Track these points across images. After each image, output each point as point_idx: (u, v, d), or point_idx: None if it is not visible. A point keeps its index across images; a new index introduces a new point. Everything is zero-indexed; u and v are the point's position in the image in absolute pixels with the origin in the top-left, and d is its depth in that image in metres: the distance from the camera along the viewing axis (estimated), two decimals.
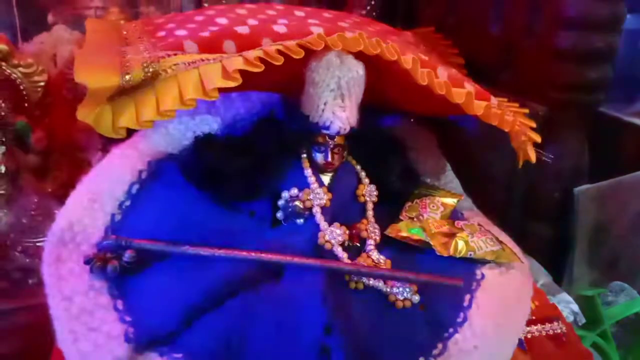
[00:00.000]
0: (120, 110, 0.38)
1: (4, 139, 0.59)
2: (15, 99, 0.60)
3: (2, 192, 0.59)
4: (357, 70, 0.42)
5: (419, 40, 0.62)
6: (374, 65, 0.43)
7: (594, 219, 0.61)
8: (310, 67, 0.42)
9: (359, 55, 0.42)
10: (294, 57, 0.38)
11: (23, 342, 0.51)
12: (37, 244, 0.57)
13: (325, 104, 0.43)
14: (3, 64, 0.58)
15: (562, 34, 0.56)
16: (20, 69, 0.60)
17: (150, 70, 0.38)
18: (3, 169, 0.59)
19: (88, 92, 0.37)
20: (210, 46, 0.45)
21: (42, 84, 0.61)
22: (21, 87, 0.61)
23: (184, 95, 0.37)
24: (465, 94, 0.42)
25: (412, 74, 0.41)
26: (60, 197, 0.43)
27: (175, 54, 0.41)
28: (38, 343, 0.40)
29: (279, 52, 0.38)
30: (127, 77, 0.37)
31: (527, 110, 0.52)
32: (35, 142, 0.62)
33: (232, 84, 0.37)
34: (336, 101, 0.43)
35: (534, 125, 0.50)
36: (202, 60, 0.39)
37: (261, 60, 0.38)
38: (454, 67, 0.53)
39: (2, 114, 0.58)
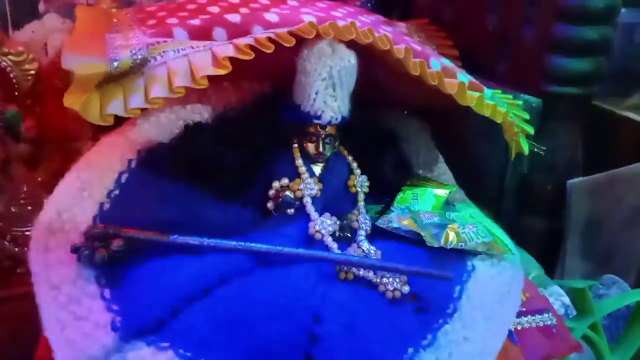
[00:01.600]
0: (109, 97, 0.37)
1: None
2: (5, 87, 0.60)
3: None
4: (349, 59, 0.42)
5: (413, 32, 0.61)
6: (366, 55, 0.43)
7: (587, 212, 0.61)
8: (301, 56, 0.42)
9: (352, 45, 0.42)
10: (285, 45, 0.37)
11: (11, 330, 0.51)
12: (26, 233, 0.57)
13: (316, 93, 0.42)
14: None
15: (558, 26, 0.56)
16: (11, 57, 0.60)
17: (139, 57, 0.37)
18: None
19: (75, 79, 0.36)
20: (201, 34, 0.44)
21: (32, 72, 0.61)
22: (11, 76, 0.60)
23: (173, 83, 0.37)
24: (458, 84, 0.42)
25: (405, 64, 0.41)
26: (51, 187, 0.43)
27: (164, 41, 0.40)
28: (26, 331, 0.40)
29: (270, 39, 0.37)
30: (115, 63, 0.37)
31: (520, 102, 0.52)
32: (26, 130, 0.62)
33: (222, 71, 0.36)
34: (327, 90, 0.42)
35: (527, 117, 0.50)
36: (192, 47, 0.38)
37: (252, 48, 0.37)
38: (449, 59, 0.53)
39: None
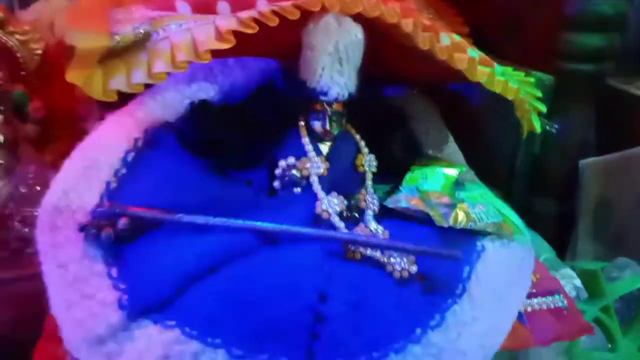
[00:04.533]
0: (111, 72, 0.37)
1: (1, 108, 0.58)
2: (12, 67, 0.60)
3: (0, 161, 0.58)
4: (356, 33, 0.41)
5: (422, 7, 0.60)
6: (374, 29, 0.42)
7: (600, 193, 0.60)
8: (307, 31, 0.41)
9: (359, 19, 0.41)
10: (290, 18, 0.37)
11: (20, 310, 0.52)
12: (35, 214, 0.56)
13: (322, 68, 0.42)
14: None
15: (571, 1, 0.54)
16: (17, 36, 0.59)
17: (141, 31, 0.37)
18: (1, 138, 0.58)
19: (76, 53, 0.36)
20: (204, 7, 0.44)
21: (39, 51, 0.60)
22: (18, 55, 0.60)
23: (176, 58, 0.36)
24: (468, 59, 0.41)
25: (413, 37, 0.40)
26: (59, 167, 0.43)
27: (167, 15, 0.40)
28: (34, 311, 0.40)
29: (275, 13, 0.36)
30: (118, 37, 0.36)
31: (532, 80, 0.51)
32: (33, 111, 0.61)
33: (225, 45, 0.36)
34: (334, 65, 0.42)
35: (539, 95, 0.49)
36: (195, 21, 0.38)
37: (256, 21, 0.36)
38: (460, 36, 0.51)
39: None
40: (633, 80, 0.68)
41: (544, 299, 0.44)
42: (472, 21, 0.62)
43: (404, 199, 0.44)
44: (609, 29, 0.55)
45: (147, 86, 0.41)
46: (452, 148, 0.53)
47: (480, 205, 0.44)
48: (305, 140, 0.44)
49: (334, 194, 0.43)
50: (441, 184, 0.47)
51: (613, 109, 0.61)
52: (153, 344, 0.35)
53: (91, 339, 0.35)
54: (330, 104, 0.43)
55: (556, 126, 0.52)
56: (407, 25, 0.39)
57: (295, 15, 0.37)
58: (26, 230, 0.58)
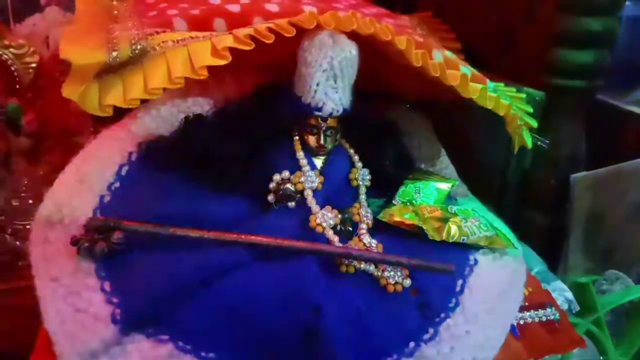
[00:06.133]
0: (107, 87, 0.37)
1: None
2: (6, 80, 0.60)
3: None
4: (350, 50, 0.41)
5: (416, 25, 0.61)
6: (368, 46, 0.42)
7: (590, 207, 0.60)
8: (302, 47, 0.41)
9: (353, 36, 0.41)
10: (285, 35, 0.37)
11: (11, 323, 0.51)
12: (27, 227, 0.57)
13: (317, 84, 0.42)
14: None
15: (561, 19, 0.55)
16: (12, 49, 0.60)
17: (138, 47, 0.37)
18: None
19: (72, 69, 0.36)
20: (201, 24, 0.44)
21: (33, 65, 0.61)
22: (12, 69, 0.60)
23: (172, 73, 0.37)
24: (460, 76, 0.41)
25: (406, 55, 0.40)
26: (52, 180, 0.43)
27: (164, 31, 0.40)
28: (26, 325, 0.40)
29: (270, 30, 0.37)
30: (114, 53, 0.36)
31: (524, 96, 0.51)
32: (27, 124, 0.62)
33: (221, 62, 0.36)
34: (329, 82, 0.42)
35: (530, 110, 0.49)
36: (192, 38, 0.38)
37: (252, 38, 0.37)
38: (452, 52, 0.52)
39: None
40: (622, 96, 0.69)
41: (536, 312, 0.44)
42: (464, 37, 0.63)
43: (397, 213, 0.44)
44: (598, 45, 0.56)
45: (142, 100, 0.41)
46: (444, 162, 0.53)
47: (472, 219, 0.44)
48: (300, 154, 0.45)
49: (328, 207, 0.43)
50: (434, 197, 0.47)
51: (603, 124, 0.62)
52: (146, 359, 0.35)
53: (84, 354, 0.35)
54: (324, 119, 0.44)
55: (547, 141, 0.53)
56: (401, 42, 0.39)
57: (290, 32, 0.37)
58: (18, 243, 0.58)
